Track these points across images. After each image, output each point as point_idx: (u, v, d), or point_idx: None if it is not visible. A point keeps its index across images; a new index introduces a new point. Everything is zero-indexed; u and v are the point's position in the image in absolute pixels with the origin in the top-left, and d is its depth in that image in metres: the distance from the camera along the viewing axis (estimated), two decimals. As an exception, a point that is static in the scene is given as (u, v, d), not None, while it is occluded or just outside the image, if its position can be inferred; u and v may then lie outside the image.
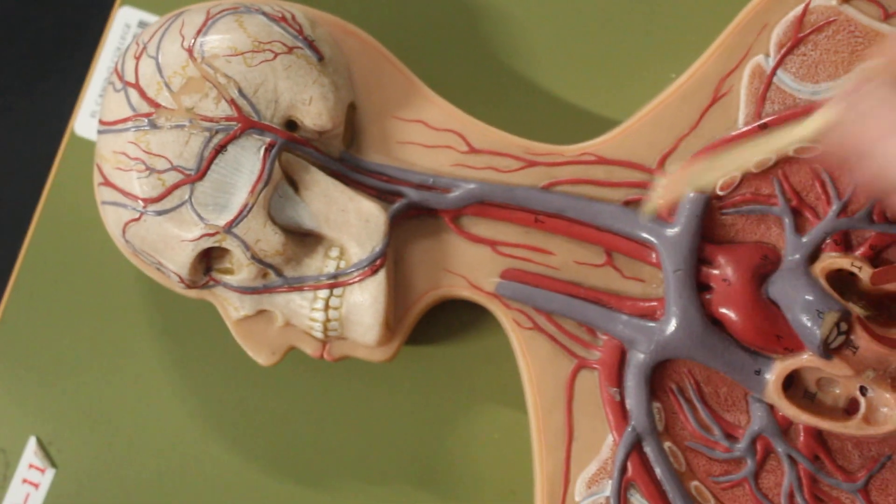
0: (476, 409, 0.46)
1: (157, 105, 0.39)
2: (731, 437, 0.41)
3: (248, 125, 0.39)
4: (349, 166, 0.42)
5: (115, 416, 0.47)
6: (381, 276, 0.40)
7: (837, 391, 0.41)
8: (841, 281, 0.41)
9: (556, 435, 0.41)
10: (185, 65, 0.39)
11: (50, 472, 0.47)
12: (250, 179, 0.39)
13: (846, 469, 0.41)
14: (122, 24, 0.49)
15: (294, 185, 0.40)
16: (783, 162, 0.41)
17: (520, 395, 0.42)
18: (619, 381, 0.41)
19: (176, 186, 0.39)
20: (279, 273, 0.41)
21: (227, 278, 0.41)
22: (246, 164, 0.39)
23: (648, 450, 0.41)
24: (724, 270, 0.41)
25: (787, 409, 0.40)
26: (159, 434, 0.47)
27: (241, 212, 0.39)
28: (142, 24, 0.49)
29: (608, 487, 0.41)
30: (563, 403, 0.41)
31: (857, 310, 0.39)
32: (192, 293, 0.42)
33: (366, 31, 0.43)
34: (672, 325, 0.40)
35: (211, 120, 0.39)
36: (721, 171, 0.40)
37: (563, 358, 0.42)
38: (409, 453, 0.46)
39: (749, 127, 0.41)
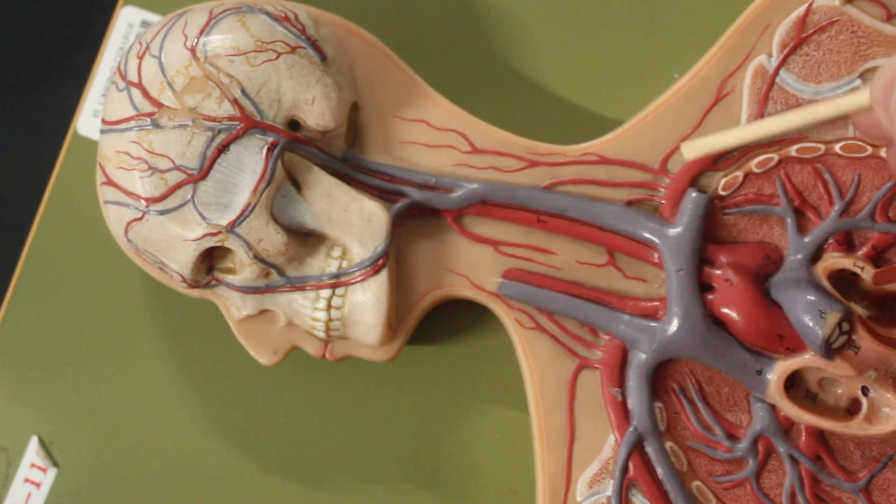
0: (478, 408, 0.46)
1: (159, 105, 0.39)
2: (732, 437, 0.41)
3: (250, 125, 0.39)
4: (351, 166, 0.42)
5: (117, 416, 0.47)
6: (384, 275, 0.40)
7: (839, 391, 0.41)
8: (843, 281, 0.41)
9: (557, 435, 0.41)
10: (188, 64, 0.39)
11: (52, 472, 0.47)
12: (253, 179, 0.39)
13: (848, 469, 0.41)
14: (125, 23, 0.49)
15: (296, 184, 0.40)
16: (786, 162, 0.42)
17: (521, 394, 0.42)
18: (620, 381, 0.41)
19: (178, 186, 0.39)
20: (281, 273, 0.41)
21: (230, 278, 0.41)
22: (248, 163, 0.39)
23: (650, 450, 0.41)
24: (726, 270, 0.41)
25: (789, 409, 0.40)
26: (161, 434, 0.47)
27: (243, 211, 0.39)
28: (145, 24, 0.49)
29: (610, 487, 0.41)
30: (564, 403, 0.41)
31: (859, 310, 0.39)
32: (195, 293, 0.42)
33: (369, 30, 0.43)
34: (674, 325, 0.40)
35: (214, 119, 0.39)
36: (739, 143, 0.39)
37: (564, 358, 0.42)
38: (410, 453, 0.46)
39: (751, 127, 0.41)
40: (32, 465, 0.47)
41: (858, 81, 0.41)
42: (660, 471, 0.41)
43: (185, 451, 0.47)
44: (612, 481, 0.41)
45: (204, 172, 0.39)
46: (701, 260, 0.41)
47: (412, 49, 0.45)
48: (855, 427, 0.40)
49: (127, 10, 0.49)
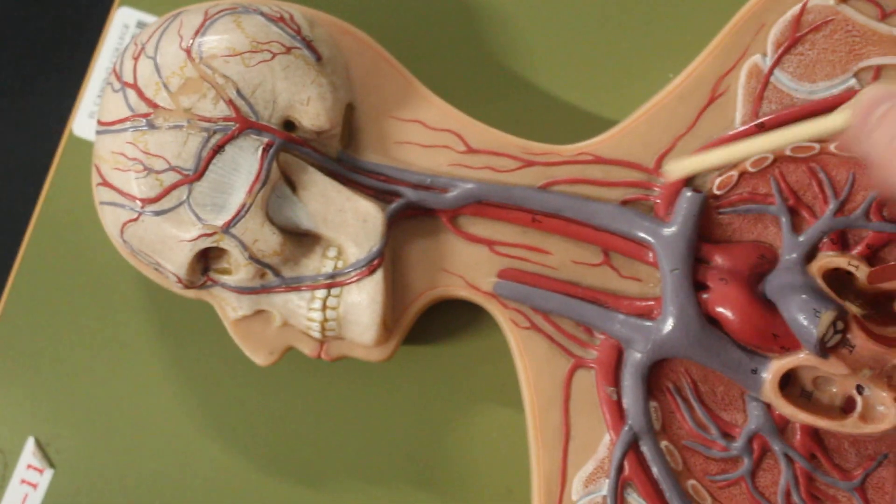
0: (473, 408, 0.46)
1: (155, 105, 0.39)
2: (727, 436, 0.41)
3: (245, 125, 0.39)
4: (347, 166, 0.42)
5: (114, 417, 0.47)
6: (379, 275, 0.40)
7: (834, 390, 0.41)
8: (838, 280, 0.41)
9: (552, 434, 0.41)
10: (184, 65, 0.39)
11: (48, 473, 0.47)
12: (248, 180, 0.39)
13: (843, 467, 0.41)
14: (121, 24, 0.49)
15: (292, 185, 0.40)
16: (780, 161, 0.42)
17: (517, 394, 0.42)
18: (615, 381, 0.41)
19: (174, 187, 0.39)
20: (277, 273, 0.41)
21: (225, 278, 0.41)
22: (244, 164, 0.39)
23: (645, 449, 0.41)
24: (721, 270, 0.41)
25: (784, 408, 0.40)
26: (157, 434, 0.47)
27: (238, 212, 0.39)
28: (140, 25, 0.49)
29: (605, 486, 0.41)
30: (560, 403, 0.42)
31: (853, 309, 0.39)
32: (190, 293, 0.42)
33: (364, 31, 0.43)
34: (669, 325, 0.40)
35: (209, 120, 0.39)
36: (721, 163, 0.40)
37: (560, 357, 0.42)
38: (406, 452, 0.46)
39: (746, 126, 0.41)
40: (29, 466, 0.47)
41: (853, 80, 0.41)
42: (655, 470, 0.41)
43: (182, 451, 0.47)
44: (607, 480, 0.41)
45: (199, 173, 0.39)
46: (696, 259, 0.41)
47: (407, 49, 0.45)
48: (850, 425, 0.40)
49: (123, 10, 0.49)
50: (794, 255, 0.41)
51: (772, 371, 0.40)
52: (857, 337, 0.39)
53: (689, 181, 0.42)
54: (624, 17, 0.47)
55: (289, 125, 0.41)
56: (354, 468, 0.46)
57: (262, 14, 0.40)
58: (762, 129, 0.41)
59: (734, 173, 0.42)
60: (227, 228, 0.39)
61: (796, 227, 0.41)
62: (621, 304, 0.42)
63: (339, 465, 0.46)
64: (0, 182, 0.54)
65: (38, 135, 0.52)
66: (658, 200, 0.42)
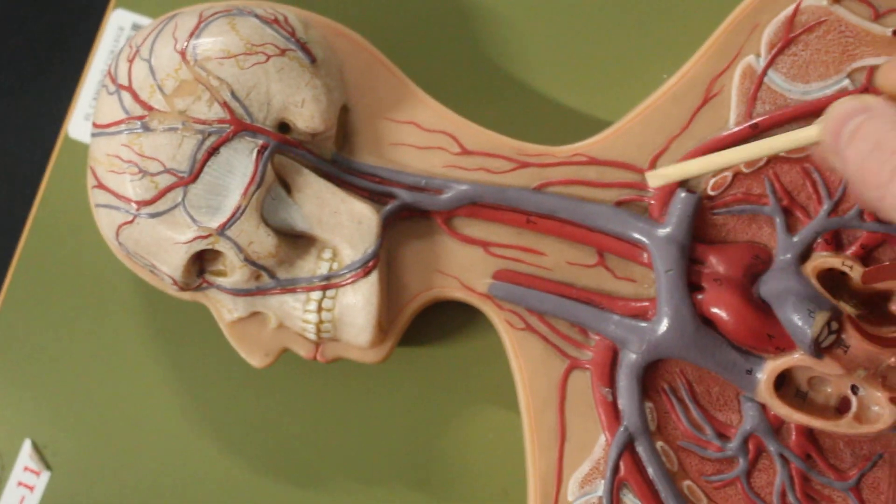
0: (469, 409, 0.46)
1: (149, 108, 0.39)
2: (723, 437, 0.41)
3: (240, 127, 0.39)
4: (341, 168, 0.42)
5: (110, 419, 0.47)
6: (374, 277, 0.40)
7: (829, 390, 0.41)
8: (832, 280, 0.41)
9: (548, 435, 0.41)
10: (178, 67, 0.39)
11: (45, 475, 0.47)
12: (243, 182, 0.39)
13: (838, 468, 0.41)
14: (116, 26, 0.49)
15: (287, 187, 0.40)
16: (774, 161, 0.42)
17: (512, 395, 0.42)
18: (611, 382, 0.41)
19: (169, 189, 0.39)
20: (272, 275, 0.41)
21: (221, 280, 0.41)
22: (238, 166, 0.39)
23: (641, 449, 0.41)
24: (715, 270, 0.41)
25: (779, 409, 0.40)
26: (154, 436, 0.47)
27: (233, 214, 0.39)
28: (135, 27, 0.49)
29: (601, 487, 0.41)
30: (555, 404, 0.42)
31: (847, 309, 0.39)
32: (186, 295, 0.42)
33: (358, 33, 0.43)
34: (664, 326, 0.40)
35: (203, 122, 0.39)
36: (699, 172, 0.40)
37: (555, 358, 0.42)
38: (402, 454, 0.46)
39: (740, 127, 0.41)
40: (26, 469, 0.47)
41: (846, 81, 0.41)
42: (650, 470, 0.41)
43: (178, 453, 0.47)
44: (603, 481, 0.41)
45: (194, 175, 0.39)
46: (690, 260, 0.41)
47: (402, 51, 0.45)
48: (845, 426, 0.40)
49: (118, 13, 0.49)
50: (789, 256, 0.41)
51: (767, 371, 0.40)
52: (852, 337, 0.39)
53: (683, 182, 0.42)
54: (618, 18, 0.47)
55: (283, 127, 0.41)
56: (350, 470, 0.46)
57: (257, 16, 0.40)
58: (756, 129, 0.41)
59: (728, 174, 0.42)
60: (222, 230, 0.39)
61: (790, 228, 0.42)
62: (616, 305, 0.42)
63: (335, 467, 0.46)
64: (-4, 184, 0.54)
65: (34, 137, 0.52)
66: (652, 201, 0.42)
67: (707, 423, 0.41)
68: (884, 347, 0.39)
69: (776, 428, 0.41)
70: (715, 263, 0.41)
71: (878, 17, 0.41)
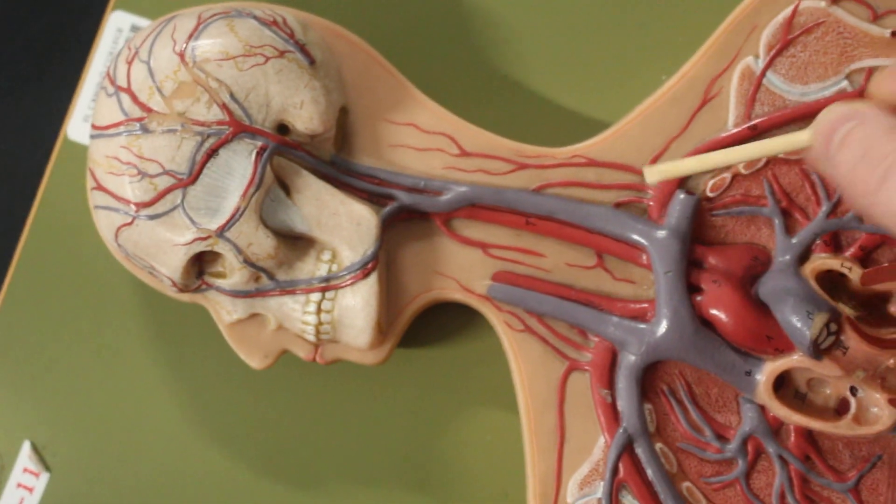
0: (468, 411, 0.46)
1: (148, 109, 0.39)
2: (722, 438, 0.41)
3: (239, 129, 0.39)
4: (340, 170, 0.42)
5: (109, 421, 0.47)
6: (373, 279, 0.40)
7: (828, 391, 0.41)
8: (831, 282, 0.41)
9: (547, 437, 0.41)
10: (177, 69, 0.39)
11: (44, 477, 0.47)
12: (242, 183, 0.39)
13: (837, 469, 0.41)
14: (115, 28, 0.49)
15: (286, 188, 0.40)
16: (773, 163, 0.42)
17: (512, 397, 0.42)
18: (610, 383, 0.41)
19: (168, 191, 0.39)
20: (271, 276, 0.41)
21: (220, 282, 0.41)
22: (237, 168, 0.39)
23: (640, 451, 0.41)
24: (714, 272, 0.41)
25: (778, 410, 0.40)
26: (153, 438, 0.47)
27: (232, 216, 0.39)
28: (134, 29, 0.49)
29: (600, 489, 0.41)
30: (554, 405, 0.42)
31: (846, 310, 0.39)
32: (185, 297, 0.42)
33: (357, 34, 0.43)
34: (663, 327, 0.40)
35: (202, 124, 0.39)
36: (697, 169, 0.40)
37: (554, 360, 0.42)
38: (401, 455, 0.46)
39: (739, 129, 0.42)
40: (25, 470, 0.47)
41: (845, 82, 0.41)
42: (650, 472, 0.41)
43: (178, 455, 0.47)
44: (602, 483, 0.41)
45: (193, 177, 0.39)
46: (689, 261, 0.41)
47: (400, 52, 0.45)
48: (844, 427, 0.40)
49: (116, 14, 0.49)
50: (788, 257, 0.41)
51: (766, 373, 0.40)
52: (851, 339, 0.39)
53: (681, 183, 0.42)
54: (617, 20, 0.47)
55: (282, 129, 0.41)
56: (349, 472, 0.46)
57: (256, 18, 0.40)
58: (755, 131, 0.41)
59: (727, 175, 0.42)
60: (221, 232, 0.39)
61: (789, 229, 0.42)
62: (615, 306, 0.42)
63: (335, 469, 0.46)
64: (-5, 186, 0.54)
65: (33, 138, 0.52)
66: (651, 203, 0.42)
67: (706, 424, 0.41)
68: (883, 349, 0.39)
69: (775, 429, 0.41)
70: (714, 265, 0.41)
71: (876, 18, 0.41)
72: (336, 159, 0.42)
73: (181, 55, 0.39)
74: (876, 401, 0.40)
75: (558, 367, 0.42)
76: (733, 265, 0.41)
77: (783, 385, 0.41)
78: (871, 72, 0.41)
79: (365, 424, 0.46)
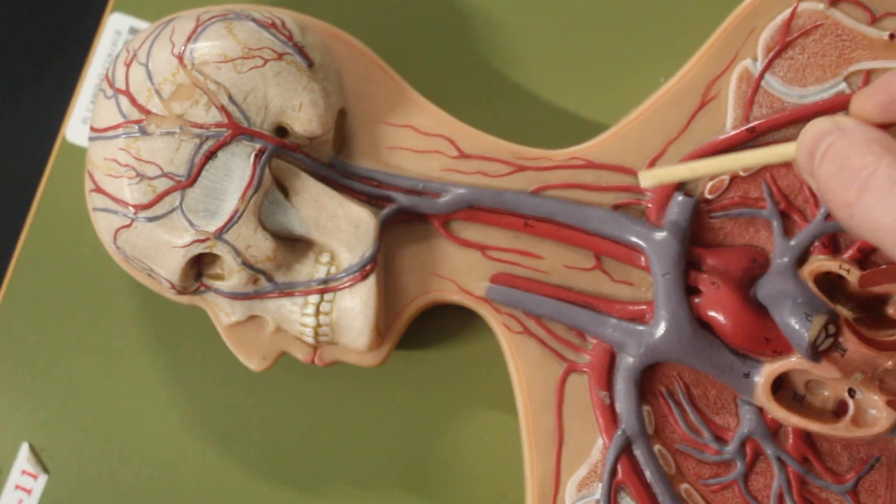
0: (467, 412, 0.46)
1: (147, 112, 0.39)
2: (720, 440, 0.41)
3: (238, 131, 0.39)
4: (339, 172, 0.42)
5: (108, 422, 0.47)
6: (372, 281, 0.40)
7: (826, 393, 0.41)
8: (829, 284, 0.41)
9: (546, 438, 0.41)
10: (176, 71, 0.39)
11: (42, 478, 0.47)
12: (241, 185, 0.39)
13: (835, 471, 0.41)
14: (113, 30, 0.49)
15: (284, 190, 0.40)
16: (772, 165, 0.42)
17: (510, 398, 0.42)
18: (608, 385, 0.41)
19: (166, 193, 0.39)
20: (270, 278, 0.41)
21: (218, 284, 0.41)
22: (236, 170, 0.39)
23: (638, 453, 0.41)
24: (712, 274, 0.41)
25: (776, 412, 0.40)
26: (151, 440, 0.47)
27: (231, 218, 0.39)
28: (133, 31, 0.49)
29: (598, 490, 0.41)
30: (553, 407, 0.42)
31: (845, 312, 0.39)
32: (184, 299, 0.42)
33: (356, 36, 0.43)
34: (661, 329, 0.40)
35: (201, 126, 0.39)
36: (690, 176, 0.40)
37: (552, 362, 0.42)
38: (399, 457, 0.46)
39: (737, 131, 0.42)
40: (23, 472, 0.47)
41: (843, 84, 0.41)
42: (648, 474, 0.41)
43: (176, 456, 0.47)
44: (600, 484, 0.41)
45: (192, 179, 0.39)
46: (687, 263, 0.41)
47: (399, 54, 0.45)
48: (842, 429, 0.40)
49: (115, 16, 0.49)
50: (786, 259, 0.41)
51: (764, 375, 0.40)
52: (849, 340, 0.39)
53: (680, 185, 0.42)
54: (615, 22, 0.47)
55: (281, 131, 0.41)
56: (348, 473, 0.46)
57: (254, 20, 0.40)
58: (753, 133, 0.41)
59: (725, 177, 0.42)
60: (219, 234, 0.39)
61: (788, 231, 0.42)
62: (613, 308, 0.42)
63: (333, 471, 0.46)
64: (-7, 188, 0.54)
65: (32, 141, 0.52)
66: (650, 205, 0.42)
67: (704, 426, 0.41)
68: (881, 351, 0.39)
69: (773, 431, 0.41)
70: (712, 266, 0.41)
71: (874, 20, 0.41)
72: (335, 161, 0.42)
73: (180, 57, 0.39)
74: (874, 403, 0.40)
75: (557, 369, 0.42)
76: (732, 267, 0.41)
77: (781, 387, 0.41)
78: (869, 74, 0.41)
79: (363, 426, 0.46)
